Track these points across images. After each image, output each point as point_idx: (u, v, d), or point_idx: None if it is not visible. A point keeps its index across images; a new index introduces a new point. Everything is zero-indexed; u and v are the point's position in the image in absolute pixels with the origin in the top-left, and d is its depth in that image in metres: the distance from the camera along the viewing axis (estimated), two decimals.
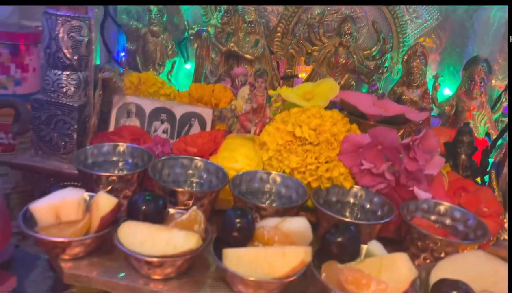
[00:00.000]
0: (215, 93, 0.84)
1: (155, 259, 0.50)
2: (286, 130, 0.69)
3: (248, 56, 0.88)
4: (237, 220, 0.53)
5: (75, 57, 0.69)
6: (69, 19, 0.67)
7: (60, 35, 0.67)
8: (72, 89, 0.71)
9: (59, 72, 0.70)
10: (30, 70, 0.88)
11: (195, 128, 0.79)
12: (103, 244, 0.56)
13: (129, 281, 0.52)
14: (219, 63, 0.90)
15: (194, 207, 0.55)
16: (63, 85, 0.70)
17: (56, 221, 0.53)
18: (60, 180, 0.73)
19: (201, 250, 0.51)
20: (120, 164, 0.69)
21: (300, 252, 0.50)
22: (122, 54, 1.01)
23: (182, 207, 0.60)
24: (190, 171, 0.68)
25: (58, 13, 0.67)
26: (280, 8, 0.92)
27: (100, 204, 0.53)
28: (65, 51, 0.69)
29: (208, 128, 0.79)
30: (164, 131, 0.79)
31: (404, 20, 0.97)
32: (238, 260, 0.50)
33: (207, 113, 0.79)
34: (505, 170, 0.75)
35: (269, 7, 0.92)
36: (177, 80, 1.00)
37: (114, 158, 0.69)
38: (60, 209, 0.52)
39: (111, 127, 0.78)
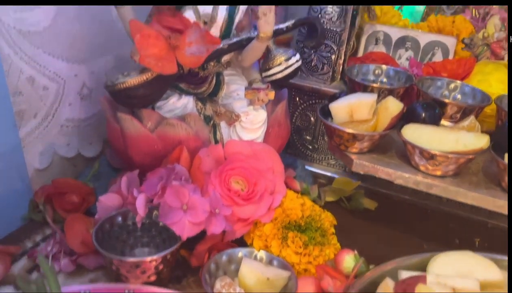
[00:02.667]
0: (456, 24, 0.86)
1: (442, 154, 0.57)
2: None
3: None
4: None
5: None
6: None
7: None
8: (336, 16, 0.80)
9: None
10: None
11: (438, 57, 0.84)
12: (382, 143, 0.65)
13: (410, 174, 0.61)
14: None
15: (472, 116, 0.61)
16: (329, 12, 0.80)
17: (349, 119, 0.64)
18: (317, 99, 0.85)
19: (486, 151, 0.57)
20: (378, 83, 0.77)
21: None
22: None
23: (449, 120, 0.67)
24: (446, 92, 0.73)
25: None
26: None
27: (390, 106, 0.62)
28: None
29: (451, 57, 0.83)
30: (407, 59, 0.85)
31: None
32: None
33: (451, 42, 0.83)
34: None
35: None
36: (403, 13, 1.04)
37: (372, 77, 0.78)
38: (355, 108, 0.63)
39: (360, 53, 0.87)
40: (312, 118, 0.88)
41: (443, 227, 0.77)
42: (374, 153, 0.65)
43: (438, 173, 0.59)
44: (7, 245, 0.60)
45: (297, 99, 0.88)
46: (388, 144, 0.66)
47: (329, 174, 0.88)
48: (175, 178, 0.57)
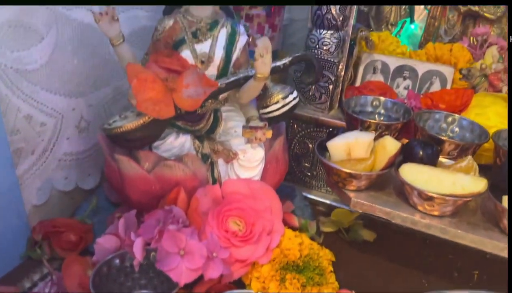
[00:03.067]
0: (453, 53, 0.86)
1: (440, 196, 0.57)
2: None
3: (489, 16, 0.88)
4: None
5: (340, 18, 0.79)
6: None
7: None
8: (334, 47, 0.81)
9: (324, 31, 0.80)
10: (277, 30, 1.02)
11: (436, 86, 0.84)
12: (380, 181, 0.65)
13: (407, 214, 0.61)
14: (455, 23, 0.92)
15: (470, 156, 0.61)
16: (327, 43, 0.80)
17: (347, 157, 0.64)
18: (315, 127, 0.85)
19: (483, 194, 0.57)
20: (376, 114, 0.77)
21: None
22: None
23: (446, 156, 0.66)
24: (444, 125, 0.73)
25: None
26: None
27: (387, 146, 0.62)
28: (334, 13, 0.78)
29: (449, 86, 0.83)
30: (405, 88, 0.85)
31: None
32: None
33: (448, 72, 0.83)
34: None
35: None
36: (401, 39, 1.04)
37: (369, 109, 0.78)
38: (352, 147, 0.63)
39: (358, 82, 0.87)
40: (310, 146, 0.88)
41: (442, 258, 0.77)
42: (372, 190, 0.65)
43: (436, 213, 0.59)
44: (5, 286, 0.60)
45: (295, 126, 0.88)
46: (386, 181, 0.66)
47: (328, 201, 0.88)
48: (172, 221, 0.57)
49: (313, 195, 0.89)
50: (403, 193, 0.63)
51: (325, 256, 0.64)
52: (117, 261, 0.59)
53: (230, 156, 0.65)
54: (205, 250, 0.55)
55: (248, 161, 0.65)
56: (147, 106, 0.55)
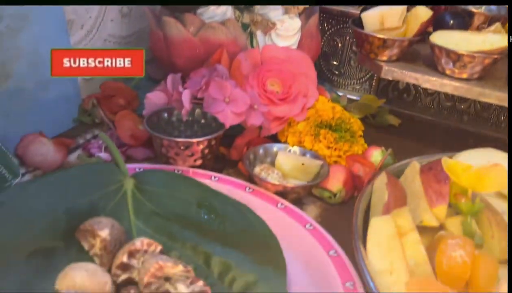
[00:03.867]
0: None
1: (469, 54, 0.60)
2: None
3: None
4: None
5: None
6: None
7: None
8: None
9: None
10: None
11: None
12: (410, 53, 0.69)
13: (436, 78, 0.65)
14: None
15: (498, 23, 0.64)
16: None
17: (380, 27, 0.67)
18: (344, 22, 0.88)
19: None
20: None
21: None
22: None
23: (475, 30, 0.69)
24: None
25: None
26: None
27: (419, 13, 0.65)
28: None
29: None
30: None
31: None
32: None
33: None
34: None
35: None
36: None
37: None
38: (385, 16, 0.66)
39: None
40: (339, 44, 0.92)
41: (464, 143, 0.81)
42: (402, 61, 0.68)
43: (464, 75, 0.63)
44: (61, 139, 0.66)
45: (325, 25, 0.91)
46: (416, 54, 0.70)
47: (354, 97, 0.92)
48: (217, 75, 0.62)
49: (341, 93, 0.93)
50: (433, 64, 0.66)
51: (356, 123, 0.68)
52: (166, 114, 0.64)
53: (268, 26, 0.68)
54: (248, 98, 0.59)
55: (286, 30, 0.69)
56: None
